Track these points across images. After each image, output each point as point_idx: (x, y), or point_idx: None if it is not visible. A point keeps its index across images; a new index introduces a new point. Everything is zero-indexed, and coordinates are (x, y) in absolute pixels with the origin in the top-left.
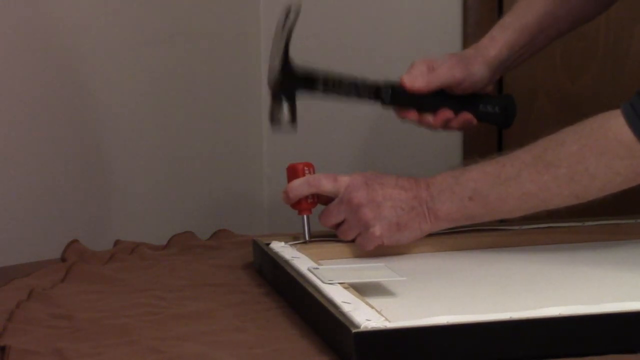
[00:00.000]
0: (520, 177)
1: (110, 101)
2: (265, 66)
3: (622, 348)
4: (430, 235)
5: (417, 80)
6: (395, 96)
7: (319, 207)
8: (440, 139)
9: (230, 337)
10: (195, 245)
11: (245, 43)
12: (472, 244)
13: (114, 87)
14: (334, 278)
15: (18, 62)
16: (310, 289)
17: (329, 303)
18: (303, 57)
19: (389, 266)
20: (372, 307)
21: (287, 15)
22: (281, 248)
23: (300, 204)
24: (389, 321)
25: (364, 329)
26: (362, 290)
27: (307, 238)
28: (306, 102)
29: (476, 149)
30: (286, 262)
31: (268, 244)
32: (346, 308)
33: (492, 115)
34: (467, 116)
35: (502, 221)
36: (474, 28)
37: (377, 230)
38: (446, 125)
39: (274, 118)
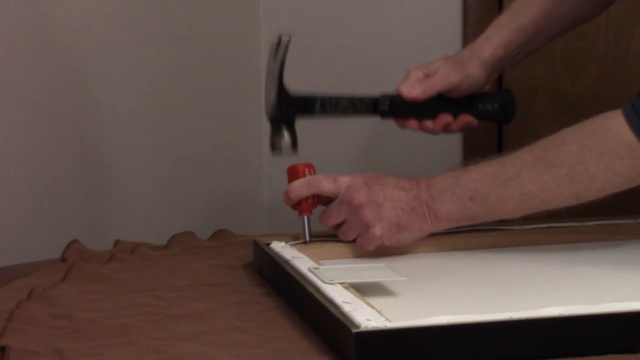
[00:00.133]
0: (520, 178)
1: (110, 101)
2: (265, 66)
3: (622, 348)
4: (431, 235)
5: (414, 88)
6: (394, 107)
7: (320, 208)
8: (440, 139)
9: (230, 337)
10: (195, 245)
11: (245, 43)
12: (472, 244)
13: (114, 87)
14: (334, 278)
15: (18, 62)
16: (310, 289)
17: (329, 303)
18: (301, 56)
19: (389, 266)
20: (373, 307)
21: (278, 45)
22: (281, 248)
23: (300, 205)
24: (389, 321)
25: (364, 329)
26: (363, 290)
27: (307, 239)
28: None
29: (476, 149)
30: (286, 262)
31: (268, 244)
32: (346, 308)
33: (492, 113)
34: (467, 118)
35: (502, 221)
36: (474, 28)
37: (377, 230)
38: (447, 129)
39: (275, 146)
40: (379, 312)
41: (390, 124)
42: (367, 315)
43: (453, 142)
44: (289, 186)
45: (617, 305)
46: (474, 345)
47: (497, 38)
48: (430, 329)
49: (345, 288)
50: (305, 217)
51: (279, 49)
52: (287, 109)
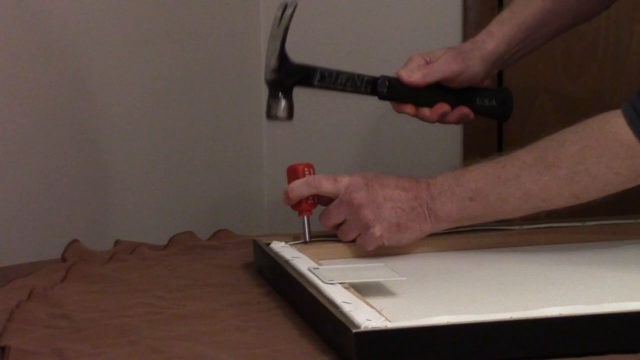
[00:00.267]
0: (520, 178)
1: (110, 101)
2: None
3: (622, 348)
4: (431, 235)
5: (414, 73)
6: (392, 90)
7: (319, 208)
8: (440, 139)
9: (230, 337)
10: (195, 245)
11: (245, 43)
12: (472, 244)
13: (113, 87)
14: (334, 278)
15: (18, 62)
16: (310, 289)
17: (329, 303)
18: (301, 55)
19: (389, 266)
20: (373, 307)
21: (283, 12)
22: (281, 248)
23: (300, 205)
24: (390, 321)
25: (365, 329)
26: (363, 290)
27: (307, 239)
28: (306, 103)
29: (476, 149)
30: (286, 262)
31: (268, 244)
32: (346, 308)
33: (490, 109)
34: (464, 110)
35: (502, 221)
36: (474, 28)
37: (377, 230)
38: (443, 119)
39: (271, 114)
40: (379, 312)
41: (390, 125)
42: (367, 315)
43: (453, 142)
44: (288, 186)
45: (617, 305)
46: (474, 345)
47: (499, 33)
48: (430, 329)
49: (346, 288)
50: (305, 217)
51: (284, 16)
52: (287, 76)
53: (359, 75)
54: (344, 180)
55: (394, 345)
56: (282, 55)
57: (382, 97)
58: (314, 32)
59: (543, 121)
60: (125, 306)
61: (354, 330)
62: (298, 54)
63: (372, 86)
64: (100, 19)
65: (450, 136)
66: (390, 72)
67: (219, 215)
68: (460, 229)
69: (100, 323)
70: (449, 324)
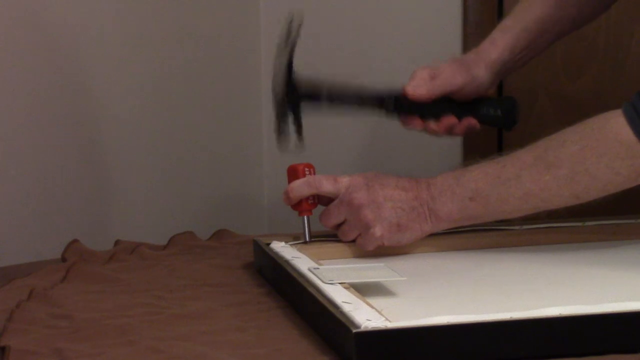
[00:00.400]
0: (521, 178)
1: (110, 101)
2: (266, 67)
3: (622, 348)
4: (431, 235)
5: (419, 88)
6: (399, 105)
7: (320, 208)
8: (440, 139)
9: (230, 337)
10: (195, 245)
11: (245, 43)
12: (472, 244)
13: (113, 87)
14: (334, 278)
15: (18, 62)
16: (310, 289)
17: (329, 303)
18: (302, 57)
19: (389, 266)
20: (373, 307)
21: (289, 28)
22: (281, 248)
23: (300, 205)
24: (390, 321)
25: (365, 329)
26: (363, 290)
27: (307, 239)
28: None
29: (476, 149)
30: (286, 262)
31: (268, 244)
32: (347, 308)
33: (495, 118)
34: (470, 121)
35: (502, 221)
36: (474, 28)
37: (377, 230)
38: (450, 132)
39: (280, 131)
40: (379, 312)
41: (390, 124)
42: (367, 315)
43: (453, 142)
44: (289, 186)
45: (617, 305)
46: (474, 345)
47: (502, 41)
48: (430, 329)
49: (346, 288)
50: (306, 218)
51: (291, 33)
52: (294, 94)
53: (365, 91)
54: (344, 180)
55: (394, 345)
56: (290, 71)
57: (388, 112)
58: (313, 28)
59: (543, 121)
60: (125, 306)
61: (354, 330)
62: (299, 54)
63: (379, 102)
64: (101, 19)
65: (450, 136)
66: (390, 71)
67: (219, 215)
68: (460, 229)
69: (100, 323)
70: (449, 324)
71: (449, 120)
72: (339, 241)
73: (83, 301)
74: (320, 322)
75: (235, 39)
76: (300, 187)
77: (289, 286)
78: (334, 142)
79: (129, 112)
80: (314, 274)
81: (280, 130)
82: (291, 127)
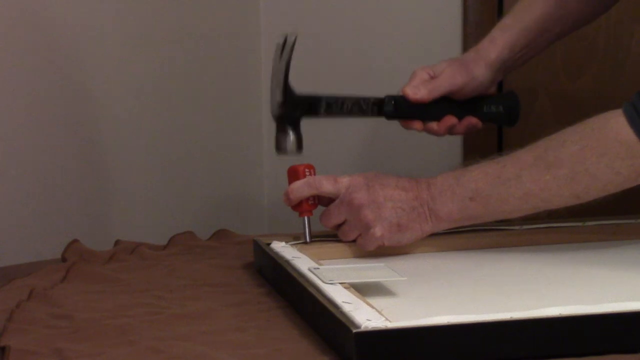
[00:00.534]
0: (521, 178)
1: (110, 101)
2: (266, 67)
3: (622, 348)
4: (431, 235)
5: (419, 90)
6: (399, 108)
7: (320, 209)
8: (440, 139)
9: (230, 337)
10: (195, 245)
11: (245, 43)
12: (472, 244)
13: (113, 87)
14: (334, 278)
15: (18, 62)
16: (310, 289)
17: (329, 303)
18: (302, 57)
19: (390, 266)
20: (373, 307)
21: (284, 45)
22: (282, 248)
23: (301, 206)
24: (390, 321)
25: (365, 329)
26: (363, 290)
27: (307, 239)
28: None
29: (476, 149)
30: (287, 262)
31: (269, 244)
32: (347, 308)
33: (497, 115)
34: (471, 120)
35: (502, 221)
36: (474, 28)
37: (377, 231)
38: (451, 131)
39: (280, 147)
40: (380, 312)
41: (390, 124)
42: (367, 315)
43: (453, 142)
44: (289, 187)
45: (617, 305)
46: (474, 345)
47: (502, 40)
48: (430, 329)
49: (346, 288)
50: (306, 218)
51: (285, 49)
52: (293, 109)
53: (364, 99)
54: (345, 181)
55: (394, 345)
56: (286, 90)
57: (389, 116)
58: (313, 28)
59: (543, 121)
60: (125, 306)
61: (354, 330)
62: (298, 55)
63: (379, 107)
64: (101, 19)
65: (450, 136)
66: (390, 71)
67: (219, 215)
68: (460, 229)
69: (100, 323)
70: (449, 324)
71: (450, 120)
72: (339, 241)
73: (83, 301)
74: (320, 322)
75: (235, 39)
76: (301, 188)
77: (289, 286)
78: (334, 142)
79: (129, 112)
80: (314, 274)
81: (280, 146)
82: (291, 142)
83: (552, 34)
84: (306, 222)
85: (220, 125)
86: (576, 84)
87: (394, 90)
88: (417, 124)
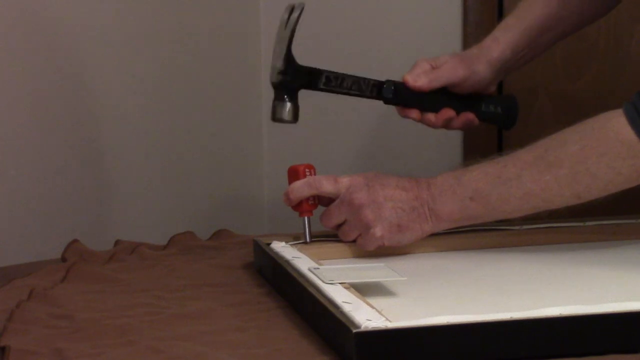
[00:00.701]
0: (521, 178)
1: (110, 101)
2: (266, 66)
3: (622, 348)
4: (431, 235)
5: (419, 78)
6: (398, 94)
7: (320, 209)
8: (440, 139)
9: (230, 337)
10: (195, 245)
11: (245, 43)
12: (473, 244)
13: (113, 87)
14: (334, 278)
15: (18, 62)
16: (310, 289)
17: (329, 303)
18: (302, 56)
19: (390, 266)
20: (373, 307)
21: (290, 13)
22: (282, 248)
23: (301, 206)
24: (390, 321)
25: (365, 329)
26: (363, 290)
27: (307, 240)
28: (307, 103)
29: (476, 149)
30: (287, 262)
31: (269, 244)
32: (347, 308)
33: (495, 116)
34: (469, 116)
35: (502, 221)
36: (474, 28)
37: (378, 231)
38: (448, 125)
39: (276, 116)
40: (380, 312)
41: (390, 125)
42: (367, 315)
43: (453, 142)
44: (289, 187)
45: (617, 305)
46: (474, 345)
47: (504, 39)
48: (430, 329)
49: (346, 288)
50: (306, 218)
51: (291, 18)
52: (292, 78)
53: (364, 79)
54: (345, 181)
55: (394, 345)
56: (289, 58)
57: (387, 101)
58: (312, 28)
59: (543, 121)
60: (125, 306)
61: (354, 330)
62: (298, 54)
63: (378, 90)
64: (101, 19)
65: (451, 137)
66: (390, 71)
67: (219, 215)
68: (460, 229)
69: (100, 323)
70: (449, 324)
71: (447, 113)
72: (340, 241)
73: (83, 301)
74: (320, 322)
75: (235, 39)
76: (301, 188)
77: (289, 286)
78: (334, 142)
79: (129, 112)
80: (314, 274)
81: (276, 114)
82: (287, 110)
83: (555, 34)
84: (306, 223)
85: (220, 125)
86: (576, 84)
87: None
88: (415, 113)
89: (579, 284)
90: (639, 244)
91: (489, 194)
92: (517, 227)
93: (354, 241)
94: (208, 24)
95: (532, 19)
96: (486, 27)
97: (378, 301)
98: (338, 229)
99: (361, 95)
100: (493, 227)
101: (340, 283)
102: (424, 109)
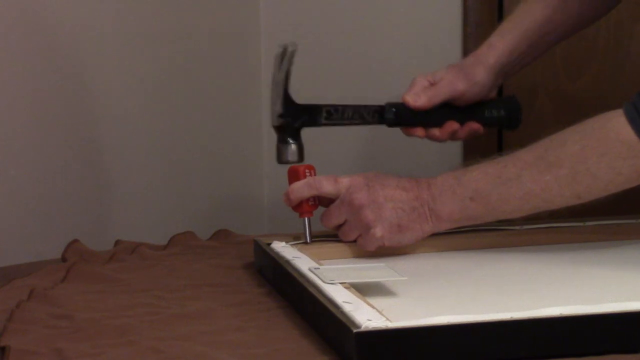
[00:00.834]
0: (521, 178)
1: (110, 101)
2: (266, 67)
3: (622, 348)
4: (431, 235)
5: (419, 97)
6: (400, 116)
7: (320, 209)
8: None
9: (230, 337)
10: (195, 245)
11: (245, 43)
12: (473, 244)
13: (113, 87)
14: (335, 278)
15: (18, 62)
16: (311, 289)
17: (329, 303)
18: (302, 56)
19: (390, 266)
20: (373, 307)
21: (283, 54)
22: (282, 248)
23: (301, 206)
24: (390, 321)
25: (365, 329)
26: (363, 290)
27: (308, 240)
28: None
29: (476, 149)
30: (287, 262)
31: (269, 244)
32: (347, 308)
33: (499, 119)
34: (473, 125)
35: (502, 221)
36: (474, 28)
37: (378, 231)
38: (453, 137)
39: (282, 157)
40: (380, 312)
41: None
42: (367, 315)
43: (453, 143)
44: (289, 188)
45: (617, 305)
46: (474, 345)
47: (501, 44)
48: (430, 329)
49: (346, 288)
50: (306, 219)
51: (284, 59)
52: (293, 120)
53: (365, 107)
54: (345, 181)
55: (395, 345)
56: (287, 100)
57: (390, 124)
58: (313, 28)
59: (543, 121)
60: (125, 306)
61: (354, 330)
62: (298, 56)
63: (380, 115)
64: (101, 19)
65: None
66: (389, 74)
67: (219, 215)
68: (460, 229)
69: (100, 323)
70: (449, 324)
71: (452, 125)
72: (340, 241)
73: (83, 301)
74: (320, 322)
75: (235, 39)
76: (301, 189)
77: (289, 286)
78: (334, 143)
79: (129, 112)
80: (314, 273)
81: (282, 156)
82: (292, 152)
83: (552, 37)
84: (306, 223)
85: (220, 125)
86: (576, 84)
87: (393, 91)
88: (419, 131)
89: (579, 284)
90: (639, 244)
91: (489, 194)
92: (517, 227)
93: (354, 241)
94: (208, 24)
95: (528, 23)
96: (486, 28)
97: (378, 301)
98: (338, 229)
99: (363, 123)
100: (493, 227)
101: (340, 283)
102: (427, 125)
